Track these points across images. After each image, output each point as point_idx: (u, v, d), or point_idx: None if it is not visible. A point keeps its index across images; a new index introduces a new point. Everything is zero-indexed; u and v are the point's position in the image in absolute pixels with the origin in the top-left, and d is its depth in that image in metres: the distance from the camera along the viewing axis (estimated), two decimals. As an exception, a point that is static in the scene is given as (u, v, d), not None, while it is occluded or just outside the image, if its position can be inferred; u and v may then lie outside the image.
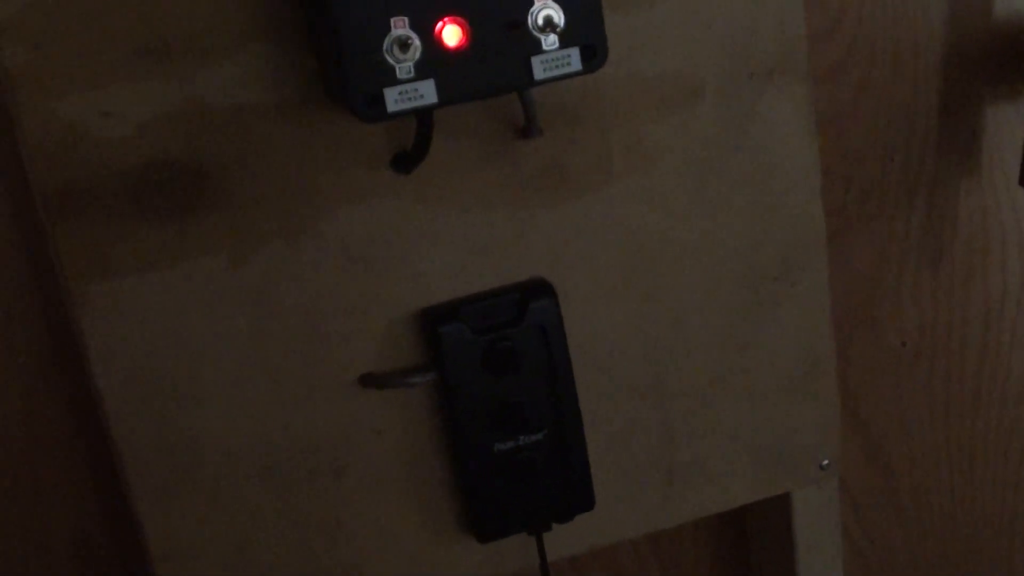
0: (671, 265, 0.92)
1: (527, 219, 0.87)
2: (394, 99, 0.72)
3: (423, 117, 0.77)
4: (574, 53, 0.75)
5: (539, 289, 0.88)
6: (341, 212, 0.83)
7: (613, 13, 0.82)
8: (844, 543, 1.15)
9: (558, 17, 0.74)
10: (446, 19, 0.72)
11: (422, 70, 0.72)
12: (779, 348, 0.98)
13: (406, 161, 0.82)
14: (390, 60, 0.71)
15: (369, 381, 0.86)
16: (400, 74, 0.72)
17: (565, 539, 0.96)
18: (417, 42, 0.71)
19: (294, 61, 0.79)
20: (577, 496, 0.93)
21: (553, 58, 0.74)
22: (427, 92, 0.72)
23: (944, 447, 1.29)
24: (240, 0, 0.77)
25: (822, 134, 0.98)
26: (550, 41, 0.74)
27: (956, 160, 1.17)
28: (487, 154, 0.85)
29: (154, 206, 0.79)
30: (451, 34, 0.72)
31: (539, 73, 0.75)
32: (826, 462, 1.04)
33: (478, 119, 0.84)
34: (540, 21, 0.73)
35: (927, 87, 1.14)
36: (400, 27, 0.71)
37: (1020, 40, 1.16)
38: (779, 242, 0.95)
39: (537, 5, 0.73)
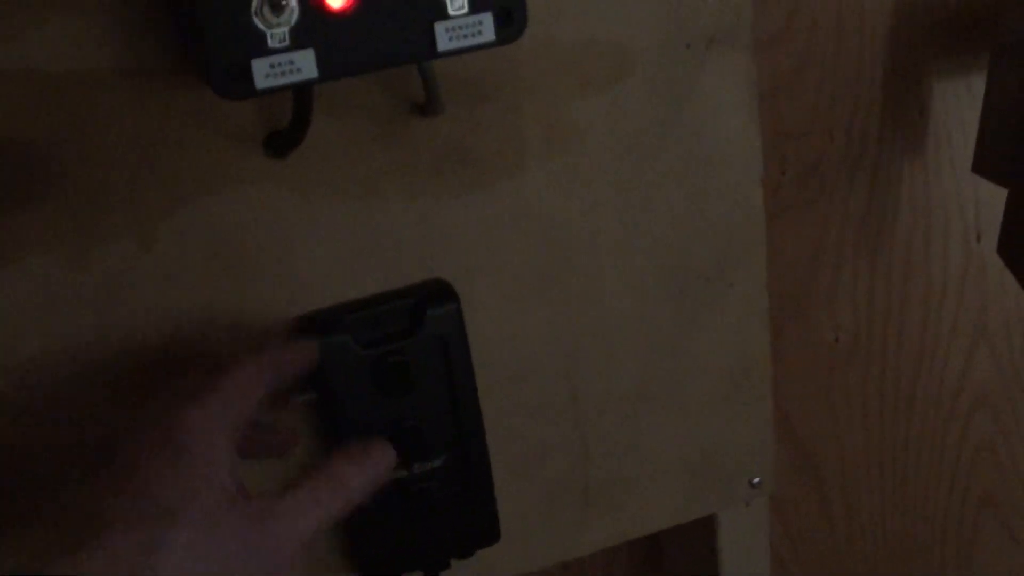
0: (593, 263, 0.81)
1: (426, 211, 0.75)
2: (264, 72, 0.59)
3: (301, 94, 0.63)
4: (486, 19, 0.62)
5: (438, 293, 0.75)
6: (204, 203, 0.70)
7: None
8: (770, 559, 1.05)
9: (467, -28, 0.61)
10: None
11: (299, 37, 0.59)
12: (711, 355, 0.88)
13: (281, 143, 0.69)
14: (260, 24, 0.58)
15: (236, 402, 0.72)
16: (272, 42, 0.59)
17: None
18: (293, 2, 0.58)
19: (147, 18, 0.65)
20: (480, 529, 0.81)
21: (461, 25, 0.62)
22: (305, 64, 0.59)
23: (876, 451, 1.22)
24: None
25: (759, 109, 0.87)
26: (457, 4, 0.61)
27: (901, 140, 1.08)
28: (379, 134, 0.73)
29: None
30: (335, -11, 0.59)
31: (443, 43, 0.62)
32: (757, 479, 0.94)
33: (369, 93, 0.72)
34: (445, -25, 0.60)
35: (872, 59, 1.04)
36: (272, -17, 0.58)
37: (971, 11, 1.07)
38: (715, 237, 0.84)
39: (442, -44, 0.60)
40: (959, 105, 1.10)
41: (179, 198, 0.69)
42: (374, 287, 0.75)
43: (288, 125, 0.67)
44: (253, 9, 0.58)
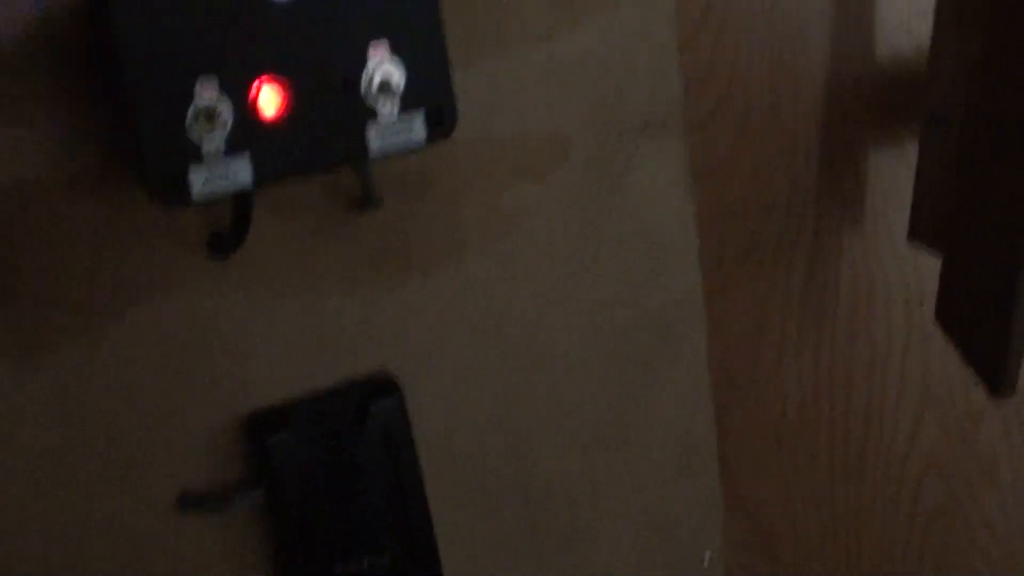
0: (537, 349, 0.82)
1: (368, 304, 0.76)
2: (201, 181, 0.60)
3: (239, 199, 0.64)
4: (417, 119, 0.63)
5: (382, 386, 0.76)
6: (151, 303, 0.71)
7: (465, 70, 0.71)
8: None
9: (398, 76, 0.62)
10: (263, 79, 0.60)
11: (234, 144, 0.60)
12: (657, 433, 0.89)
13: (223, 244, 0.70)
14: (195, 134, 0.59)
15: (187, 502, 0.73)
16: (207, 150, 0.59)
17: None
18: (228, 110, 0.59)
19: (89, 123, 0.66)
20: None
21: (392, 125, 0.63)
22: (241, 171, 0.60)
23: (829, 520, 1.22)
24: (23, 53, 0.64)
25: (695, 190, 0.88)
26: (388, 107, 0.62)
27: (839, 212, 1.09)
28: (319, 230, 0.74)
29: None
30: (269, 98, 0.60)
31: (375, 145, 0.63)
32: (709, 554, 0.94)
33: (307, 190, 0.73)
34: (376, 82, 0.62)
35: (807, 134, 1.06)
36: (207, 91, 0.59)
37: (902, 82, 1.09)
38: (655, 317, 0.85)
39: (372, 62, 0.62)
40: (895, 174, 1.11)
41: (127, 300, 0.70)
42: (321, 381, 0.76)
43: (229, 228, 0.68)
44: (188, 119, 0.59)
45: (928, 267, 1.15)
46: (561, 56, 0.78)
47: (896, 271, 1.15)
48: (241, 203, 0.65)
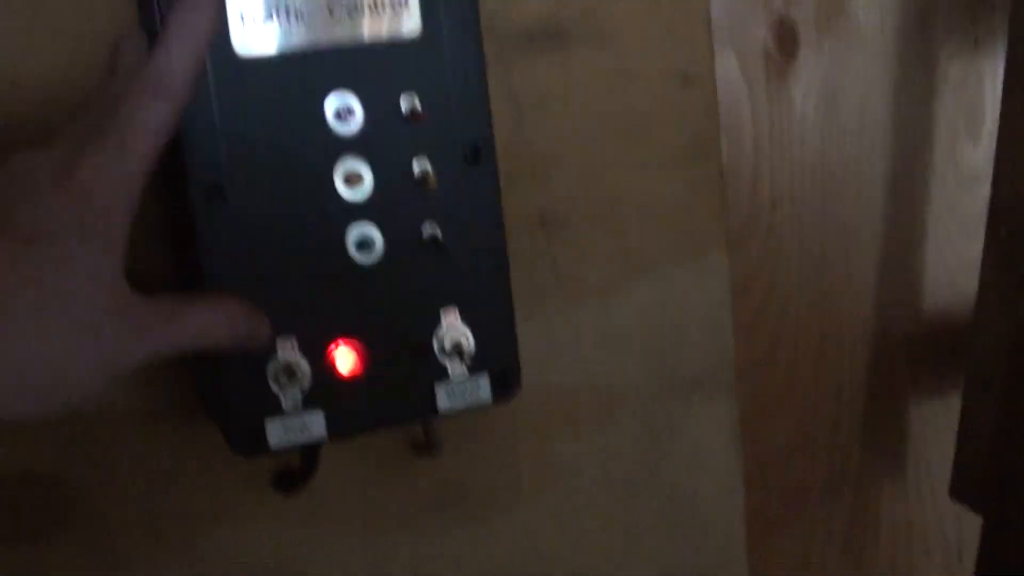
0: (582, 596, 0.83)
1: (424, 545, 0.78)
2: (278, 434, 0.63)
3: (309, 449, 0.67)
4: (483, 382, 0.67)
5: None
6: (216, 536, 0.73)
7: (525, 322, 0.74)
8: None
9: (467, 342, 0.65)
10: (340, 341, 0.63)
11: (311, 399, 0.63)
12: None
13: (289, 483, 0.72)
14: (275, 388, 0.62)
15: None
16: (285, 404, 0.63)
17: None
18: (305, 368, 0.63)
19: (168, 368, 0.69)
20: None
21: (460, 386, 0.66)
22: (315, 425, 0.63)
23: None
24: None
25: (743, 433, 0.91)
26: (457, 368, 0.65)
27: (881, 460, 1.11)
28: (381, 471, 0.77)
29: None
30: (345, 359, 0.63)
31: (443, 403, 0.66)
32: None
33: (372, 434, 0.74)
34: (447, 345, 0.65)
35: (852, 382, 1.09)
36: (288, 350, 0.62)
37: (947, 335, 1.11)
38: (699, 567, 0.86)
39: (444, 326, 0.65)
40: (937, 426, 1.13)
41: (194, 531, 0.72)
42: (373, 618, 0.78)
43: (296, 470, 0.71)
44: (270, 375, 0.62)
45: (969, 520, 1.16)
46: (617, 310, 0.81)
47: (936, 523, 1.16)
48: (311, 453, 0.68)
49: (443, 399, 0.66)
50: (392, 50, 0.62)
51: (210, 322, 0.59)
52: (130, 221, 0.55)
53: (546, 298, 0.79)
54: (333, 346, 0.63)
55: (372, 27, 0.62)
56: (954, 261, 1.12)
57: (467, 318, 0.66)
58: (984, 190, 1.07)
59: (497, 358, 0.67)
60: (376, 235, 0.63)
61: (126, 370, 0.54)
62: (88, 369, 0.53)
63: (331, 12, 0.61)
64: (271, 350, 0.62)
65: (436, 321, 0.65)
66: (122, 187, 0.54)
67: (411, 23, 0.63)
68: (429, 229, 0.64)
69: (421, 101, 0.63)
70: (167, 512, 0.72)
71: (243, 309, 0.60)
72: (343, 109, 0.62)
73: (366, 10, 0.62)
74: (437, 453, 0.76)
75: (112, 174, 0.54)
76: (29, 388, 0.51)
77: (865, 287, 1.09)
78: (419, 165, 0.63)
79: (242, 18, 0.60)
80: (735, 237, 1.01)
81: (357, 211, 0.63)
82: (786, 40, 1.02)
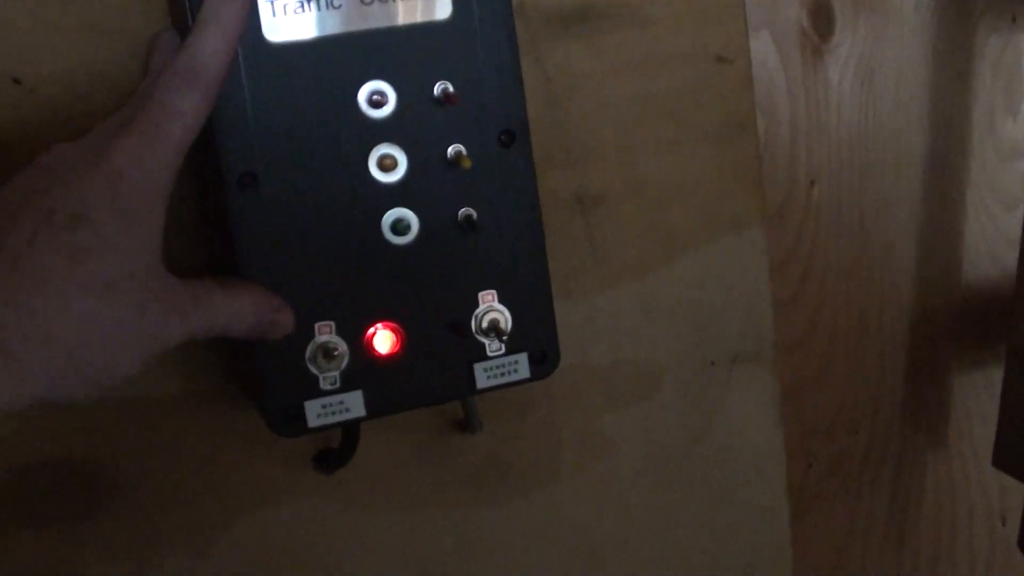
0: (624, 572, 0.83)
1: (464, 521, 0.79)
2: (316, 413, 0.63)
3: (349, 427, 0.68)
4: (522, 359, 0.67)
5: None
6: (257, 516, 0.74)
7: (565, 300, 0.75)
8: None
9: (505, 321, 0.66)
10: (378, 323, 0.64)
11: (349, 380, 0.64)
12: (739, 656, 0.89)
13: (329, 462, 0.73)
14: (313, 369, 0.63)
15: None
16: (324, 385, 0.64)
17: None
18: (344, 349, 0.63)
19: (210, 352, 0.70)
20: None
21: (498, 365, 0.67)
22: (354, 405, 0.64)
23: None
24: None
25: (784, 408, 0.91)
26: (495, 347, 0.66)
27: (924, 432, 1.11)
28: (421, 450, 0.77)
29: (41, 511, 0.69)
30: (383, 341, 0.64)
31: (482, 381, 0.67)
32: None
33: (412, 412, 0.75)
34: (485, 325, 0.66)
35: (893, 355, 1.09)
36: (325, 333, 0.63)
37: (988, 308, 1.11)
38: (741, 544, 0.87)
39: (482, 307, 0.66)
40: (978, 397, 1.13)
41: (234, 512, 0.73)
42: (415, 595, 0.79)
43: (336, 450, 0.72)
44: (308, 356, 0.63)
45: (1011, 486, 1.16)
46: (656, 288, 0.81)
47: (979, 491, 1.16)
48: (351, 432, 0.69)
49: (481, 377, 0.66)
50: (424, 34, 0.63)
51: (238, 308, 0.60)
52: (166, 205, 0.56)
53: (585, 277, 0.79)
54: (371, 328, 0.64)
55: (404, 11, 0.63)
56: (994, 234, 1.12)
57: (504, 298, 0.66)
58: (1023, 163, 1.06)
59: (535, 336, 0.67)
60: (412, 218, 0.64)
61: (164, 350, 0.56)
62: (132, 349, 0.54)
63: (362, -3, 0.62)
64: (309, 334, 0.63)
65: (473, 301, 0.66)
66: (156, 171, 0.55)
67: (442, 6, 0.63)
68: (465, 211, 0.65)
69: (454, 84, 0.63)
70: (207, 494, 0.73)
71: (268, 298, 0.61)
72: (376, 94, 0.62)
73: (397, -6, 0.62)
74: (477, 431, 0.76)
75: (145, 158, 0.55)
76: (79, 369, 0.52)
77: (905, 262, 1.09)
78: (453, 148, 0.64)
79: (272, 4, 0.60)
80: (774, 214, 1.01)
81: (392, 195, 0.63)
82: (821, 19, 1.02)
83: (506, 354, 0.67)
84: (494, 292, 0.66)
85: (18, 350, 0.50)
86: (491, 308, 0.66)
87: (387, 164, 0.63)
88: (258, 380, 0.63)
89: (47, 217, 0.53)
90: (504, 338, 0.66)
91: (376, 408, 0.64)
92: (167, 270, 0.57)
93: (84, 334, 0.52)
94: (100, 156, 0.55)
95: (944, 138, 1.09)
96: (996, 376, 1.11)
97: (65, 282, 0.52)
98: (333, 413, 0.64)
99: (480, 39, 0.64)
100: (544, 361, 0.68)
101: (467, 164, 0.64)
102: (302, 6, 0.61)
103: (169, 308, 0.56)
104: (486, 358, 0.66)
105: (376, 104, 0.62)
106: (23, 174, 0.56)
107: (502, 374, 0.67)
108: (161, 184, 0.56)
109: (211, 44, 0.57)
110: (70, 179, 0.54)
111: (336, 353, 0.63)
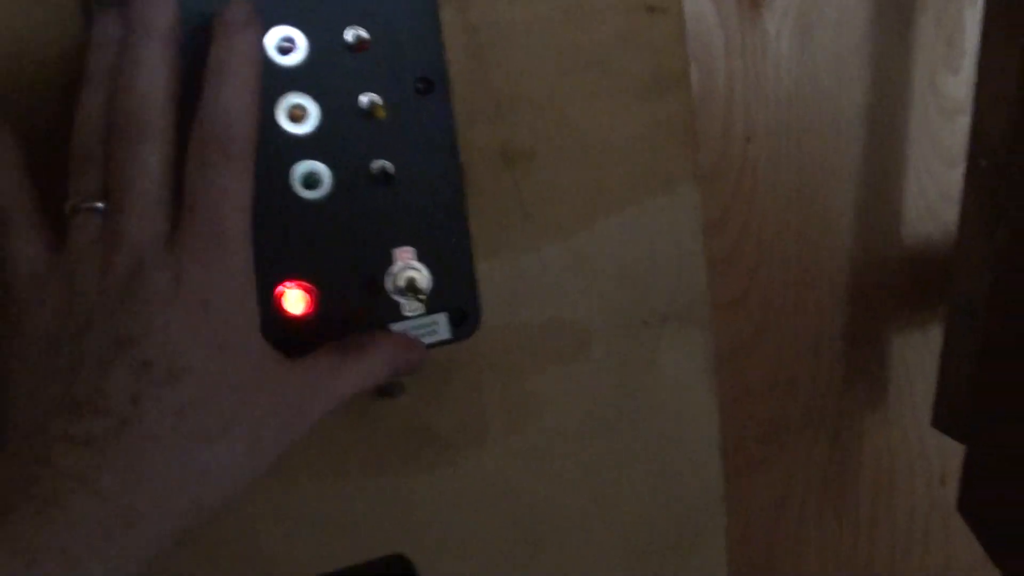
0: (557, 537, 0.82)
1: (389, 487, 0.76)
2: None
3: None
4: (441, 320, 0.65)
5: (398, 570, 0.76)
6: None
7: (492, 258, 0.73)
8: None
9: (423, 279, 0.64)
10: (289, 282, 0.61)
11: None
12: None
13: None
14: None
15: None
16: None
17: None
18: (255, 308, 0.60)
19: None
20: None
21: (416, 326, 0.64)
22: (270, 364, 0.61)
23: None
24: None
25: (721, 370, 0.89)
26: (413, 307, 0.64)
27: (863, 392, 1.09)
28: (343, 414, 0.75)
29: None
30: (294, 301, 0.61)
31: (399, 343, 0.64)
32: None
33: (333, 376, 0.73)
34: (402, 283, 0.63)
35: (832, 315, 1.07)
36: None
37: (928, 265, 1.10)
38: (676, 507, 0.85)
39: (398, 265, 0.63)
40: (919, 357, 1.12)
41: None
42: (335, 563, 0.76)
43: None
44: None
45: (950, 446, 1.15)
46: (586, 245, 0.79)
47: (918, 450, 1.15)
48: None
49: None
50: None
51: (369, 368, 0.59)
52: (257, 313, 0.54)
53: (512, 234, 0.77)
54: (281, 286, 0.61)
55: (313, -45, 0.60)
56: (934, 192, 1.11)
57: (423, 255, 0.64)
58: (964, 120, 1.05)
59: (455, 295, 0.65)
60: (324, 171, 0.61)
61: (293, 444, 0.55)
62: (253, 472, 0.53)
63: (269, -61, 0.59)
64: None
65: (389, 258, 0.63)
66: (236, 278, 0.53)
67: (353, -50, 0.60)
68: (379, 164, 0.62)
69: (367, 30, 0.61)
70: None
71: (401, 345, 0.61)
72: (285, 40, 0.60)
73: (306, -63, 0.59)
74: (398, 395, 0.74)
75: (219, 275, 0.53)
76: (203, 509, 0.52)
77: (844, 220, 1.07)
78: (367, 97, 0.61)
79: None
80: (709, 172, 0.99)
81: (303, 147, 0.61)
82: (757, -32, 1.00)
83: (424, 314, 0.64)
84: (412, 249, 0.63)
85: (148, 513, 0.49)
86: (408, 266, 0.63)
87: (297, 114, 0.60)
88: None
89: (144, 371, 0.49)
90: (422, 297, 0.63)
91: None
92: (269, 343, 0.55)
93: (204, 483, 0.51)
94: (178, 283, 0.51)
95: (884, 93, 1.07)
96: (936, 335, 1.10)
97: (178, 436, 0.50)
98: None
99: None
100: (465, 321, 0.65)
101: (382, 114, 0.61)
102: None
103: (286, 419, 0.54)
104: (402, 318, 0.64)
105: (285, 51, 0.60)
106: (52, 301, 0.52)
107: (420, 335, 0.64)
108: (245, 294, 0.54)
109: (234, 102, 0.53)
110: (142, 313, 0.50)
111: (246, 313, 0.60)
